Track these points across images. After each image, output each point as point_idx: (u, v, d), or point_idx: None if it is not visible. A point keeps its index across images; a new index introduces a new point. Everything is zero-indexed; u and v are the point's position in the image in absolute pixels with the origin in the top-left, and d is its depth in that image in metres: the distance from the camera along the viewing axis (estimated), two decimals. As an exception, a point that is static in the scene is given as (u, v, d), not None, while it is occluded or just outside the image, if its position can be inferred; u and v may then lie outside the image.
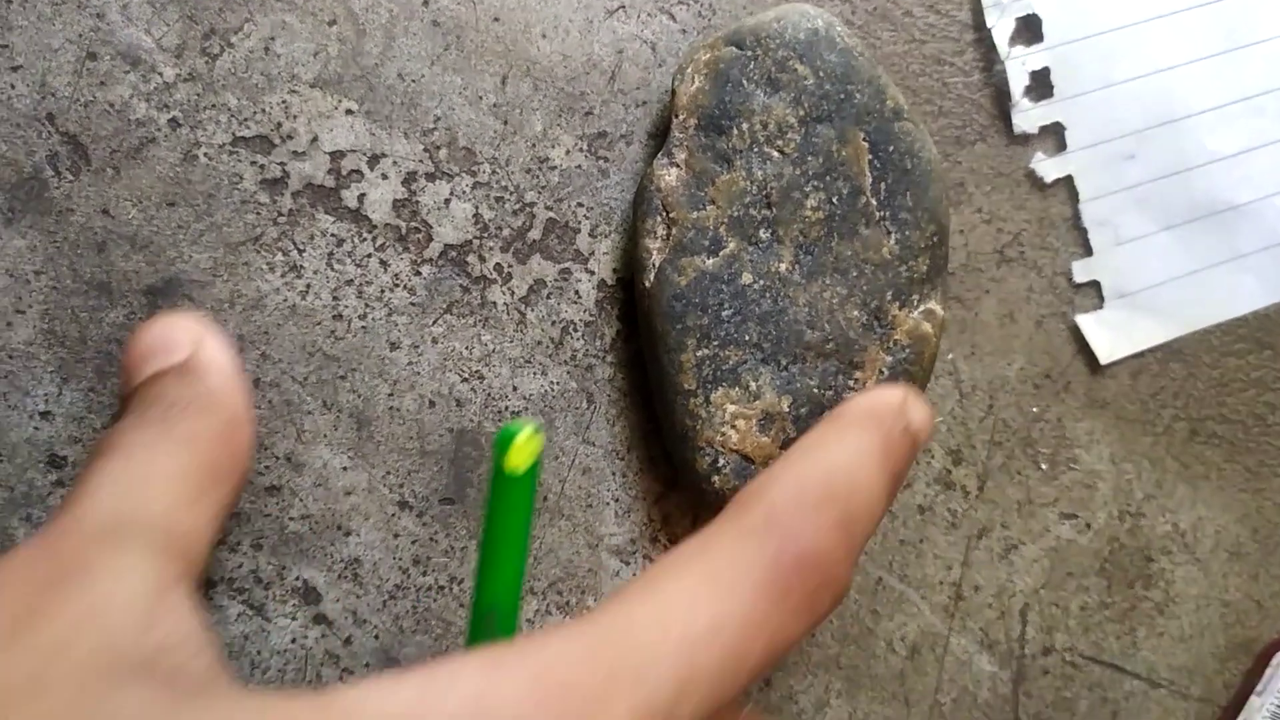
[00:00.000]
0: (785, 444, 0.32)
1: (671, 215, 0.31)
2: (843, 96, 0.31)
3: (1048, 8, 0.35)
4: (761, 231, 0.31)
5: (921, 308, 0.32)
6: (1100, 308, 0.36)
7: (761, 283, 0.31)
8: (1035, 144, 0.36)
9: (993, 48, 0.35)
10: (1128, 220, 0.36)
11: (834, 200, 0.31)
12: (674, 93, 0.31)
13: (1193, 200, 0.37)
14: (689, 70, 0.31)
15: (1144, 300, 0.37)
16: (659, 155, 0.31)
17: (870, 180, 0.32)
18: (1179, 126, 0.36)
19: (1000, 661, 0.36)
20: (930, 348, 0.32)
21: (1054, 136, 0.36)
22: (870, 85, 0.32)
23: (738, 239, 0.31)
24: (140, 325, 0.25)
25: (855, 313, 0.32)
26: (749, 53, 0.31)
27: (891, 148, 0.32)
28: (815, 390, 0.32)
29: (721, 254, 0.31)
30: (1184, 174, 0.36)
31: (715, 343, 0.31)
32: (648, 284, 0.31)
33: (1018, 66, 0.35)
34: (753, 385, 0.31)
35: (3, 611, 0.18)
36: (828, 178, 0.31)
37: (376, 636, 0.33)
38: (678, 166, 0.31)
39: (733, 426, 0.31)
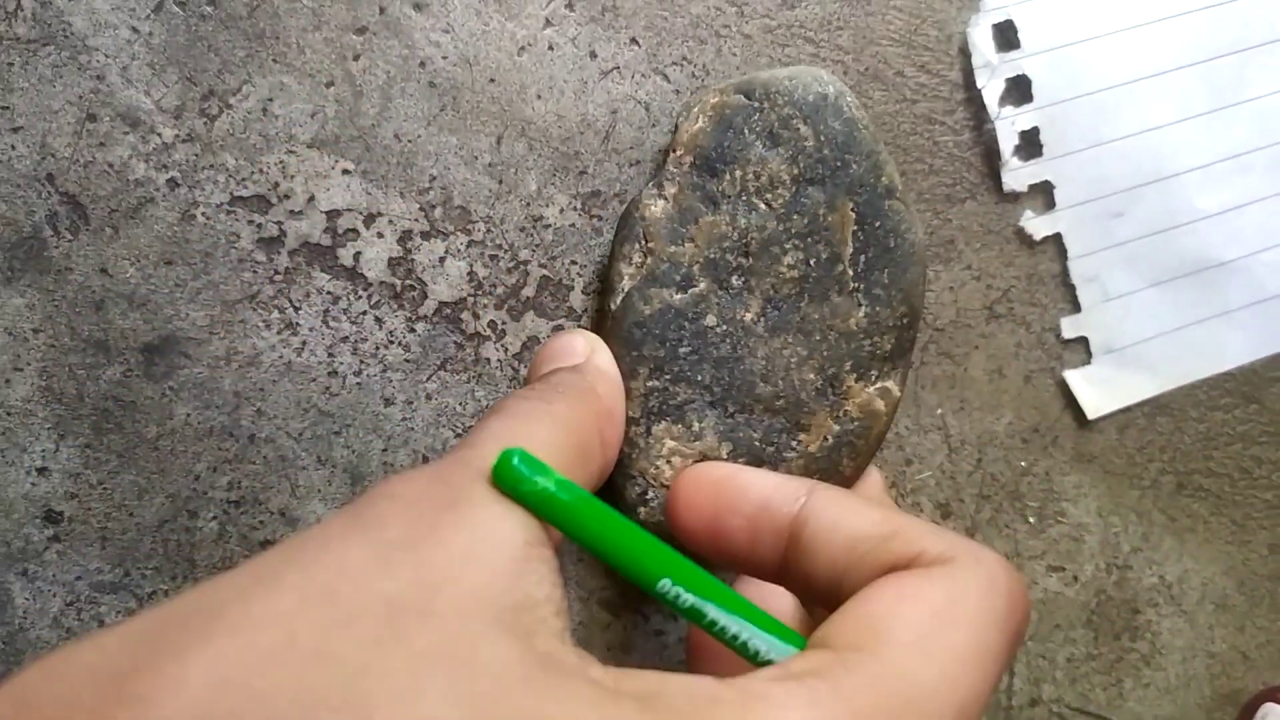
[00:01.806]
0: None
1: (650, 245, 0.31)
2: (839, 164, 0.32)
3: (1037, 69, 0.35)
4: (734, 278, 0.31)
5: (878, 385, 0.32)
6: (1088, 363, 0.37)
7: (724, 328, 0.32)
8: (1024, 202, 0.36)
9: (983, 107, 0.35)
10: (1116, 277, 0.37)
11: (811, 262, 0.32)
12: (676, 128, 0.32)
13: (1181, 257, 0.37)
14: (695, 109, 0.31)
15: (1131, 356, 0.37)
16: (648, 184, 0.31)
17: (851, 250, 0.32)
18: (1167, 184, 0.37)
19: (988, 714, 0.37)
20: (880, 425, 0.32)
21: (1043, 194, 0.36)
22: (868, 159, 0.32)
23: (709, 280, 0.31)
24: (549, 336, 0.33)
25: (811, 375, 0.32)
26: (756, 104, 0.31)
27: (878, 223, 0.32)
28: (757, 443, 0.32)
29: (691, 292, 0.31)
30: (1172, 231, 0.37)
31: (667, 376, 0.31)
32: (613, 307, 0.31)
33: (1007, 126, 0.35)
34: (696, 425, 0.31)
35: (403, 518, 0.18)
36: (809, 239, 0.32)
37: (369, 689, 0.33)
38: (665, 199, 0.31)
39: (668, 462, 0.31)
